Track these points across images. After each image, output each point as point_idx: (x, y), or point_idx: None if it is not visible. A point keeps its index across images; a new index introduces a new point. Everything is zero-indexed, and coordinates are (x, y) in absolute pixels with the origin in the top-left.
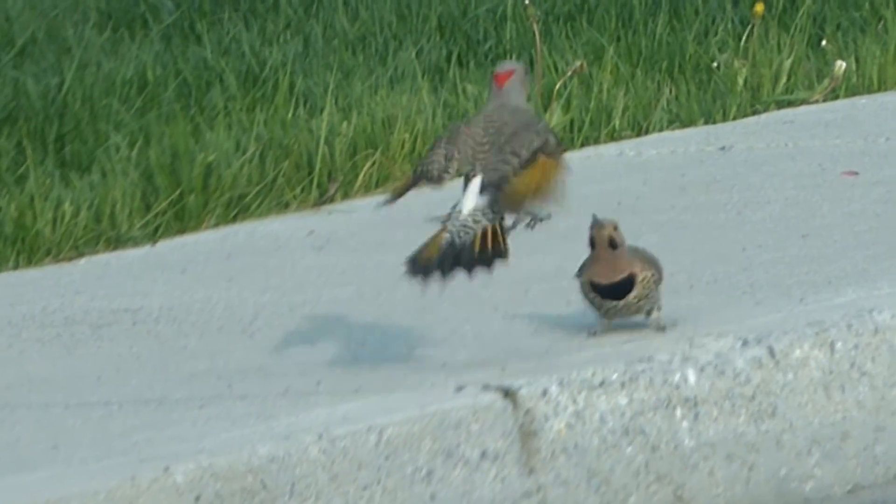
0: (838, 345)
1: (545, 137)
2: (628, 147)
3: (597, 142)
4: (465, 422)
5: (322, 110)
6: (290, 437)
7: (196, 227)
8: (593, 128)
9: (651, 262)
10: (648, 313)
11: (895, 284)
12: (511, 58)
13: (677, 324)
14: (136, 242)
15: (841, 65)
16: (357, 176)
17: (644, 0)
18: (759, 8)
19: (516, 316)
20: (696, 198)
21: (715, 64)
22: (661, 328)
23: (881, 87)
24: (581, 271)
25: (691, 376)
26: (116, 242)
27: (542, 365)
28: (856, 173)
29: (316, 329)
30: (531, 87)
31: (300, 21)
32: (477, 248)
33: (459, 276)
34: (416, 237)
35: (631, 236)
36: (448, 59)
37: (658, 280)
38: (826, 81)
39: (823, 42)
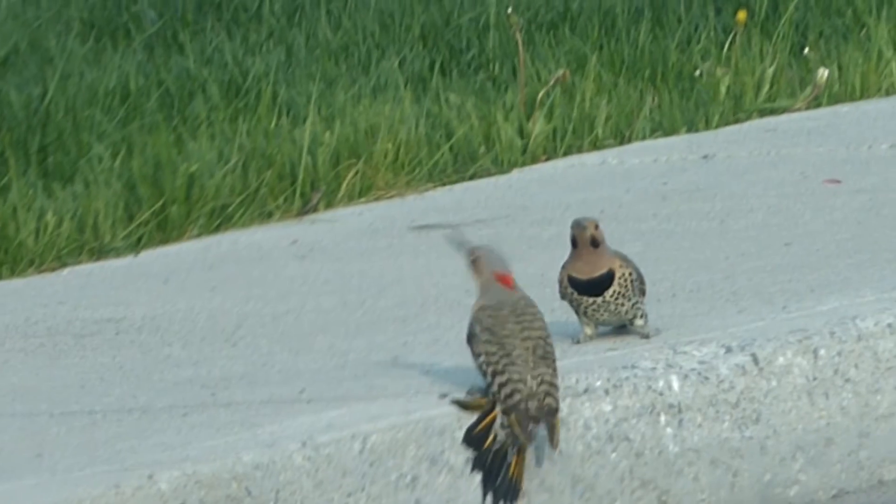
0: (822, 352)
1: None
2: (611, 155)
3: (580, 150)
4: (449, 428)
5: (305, 120)
6: (275, 444)
7: (179, 237)
8: (576, 136)
9: (631, 264)
10: (632, 322)
11: (878, 292)
12: (494, 67)
13: (661, 331)
14: (118, 253)
15: (823, 73)
16: (340, 185)
17: (627, 8)
18: (742, 16)
19: None
20: (678, 206)
21: (697, 72)
22: (645, 336)
23: (864, 94)
24: (561, 270)
25: (675, 383)
26: (99, 253)
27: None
28: (838, 181)
29: (299, 337)
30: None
31: (283, 31)
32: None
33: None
34: (400, 246)
35: (614, 244)
36: (431, 69)
37: (638, 282)
38: (809, 89)
39: (806, 50)
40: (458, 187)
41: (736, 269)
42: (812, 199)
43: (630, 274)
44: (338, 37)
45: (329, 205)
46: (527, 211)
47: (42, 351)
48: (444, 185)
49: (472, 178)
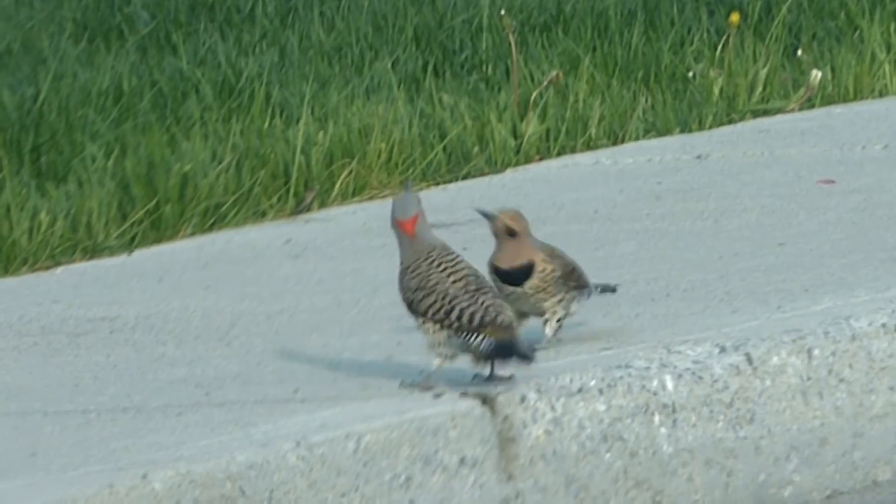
0: (816, 352)
1: None
2: (604, 156)
3: (573, 151)
4: (443, 428)
5: (298, 120)
6: (269, 444)
7: (173, 236)
8: (569, 137)
9: (560, 259)
10: (547, 321)
11: (872, 292)
12: (487, 68)
13: (655, 331)
14: (112, 252)
15: (817, 74)
16: (334, 185)
17: (620, 10)
18: (735, 18)
19: None
20: (672, 206)
21: (691, 73)
22: (549, 339)
23: (857, 95)
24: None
25: (669, 383)
26: (93, 252)
27: (520, 372)
28: (832, 182)
29: (293, 337)
30: None
31: (276, 32)
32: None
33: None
34: (393, 245)
35: (608, 244)
36: (424, 70)
37: (565, 279)
38: (802, 90)
39: (799, 51)
40: (452, 187)
41: (730, 269)
42: (806, 199)
43: (553, 270)
44: (331, 38)
45: (323, 204)
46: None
47: (36, 350)
48: (437, 184)
49: (465, 177)
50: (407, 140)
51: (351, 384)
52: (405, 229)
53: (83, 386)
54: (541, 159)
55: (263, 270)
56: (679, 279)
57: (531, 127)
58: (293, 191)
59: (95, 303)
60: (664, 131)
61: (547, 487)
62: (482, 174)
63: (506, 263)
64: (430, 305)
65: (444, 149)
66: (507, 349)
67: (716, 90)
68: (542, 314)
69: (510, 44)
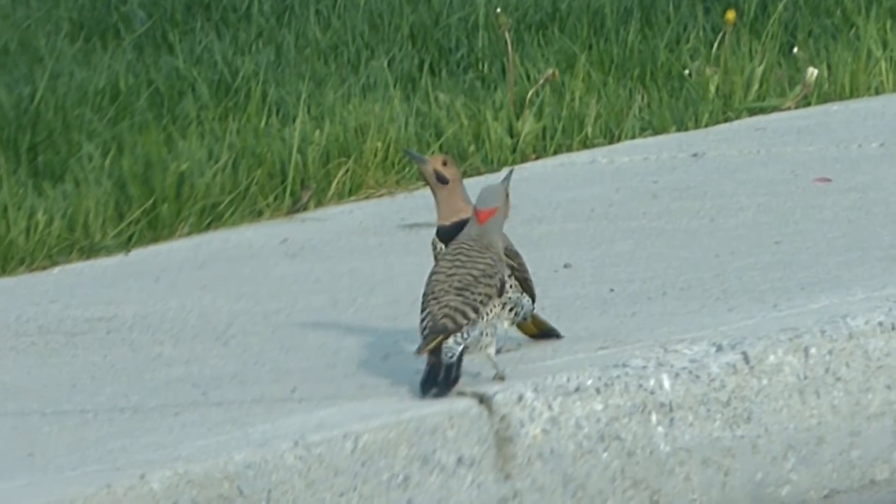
0: (812, 350)
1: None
2: (601, 154)
3: (569, 149)
4: (440, 428)
5: (295, 119)
6: (266, 443)
7: (169, 235)
8: (566, 135)
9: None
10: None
11: (869, 290)
12: (483, 66)
13: (651, 329)
14: (109, 251)
15: (813, 72)
16: (330, 184)
17: (616, 8)
18: (731, 15)
19: None
20: (668, 205)
21: (687, 71)
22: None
23: (853, 93)
24: None
25: (666, 382)
26: (90, 251)
27: (517, 371)
28: (828, 180)
29: (291, 336)
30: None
31: (272, 30)
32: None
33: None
34: (390, 244)
35: (604, 243)
36: (420, 68)
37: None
38: (798, 88)
39: (795, 49)
40: None
41: (726, 268)
42: (802, 197)
43: None
44: (327, 36)
45: (319, 203)
46: (517, 210)
47: (33, 350)
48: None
49: (462, 176)
50: (403, 139)
51: (348, 384)
52: (478, 217)
53: (80, 386)
54: (537, 158)
55: (260, 270)
56: (675, 278)
57: (527, 125)
58: (290, 190)
59: (92, 302)
60: (660, 129)
61: (544, 487)
62: (478, 173)
63: (446, 219)
64: (422, 297)
65: (441, 147)
66: (431, 376)
67: (712, 88)
68: None
69: (506, 42)
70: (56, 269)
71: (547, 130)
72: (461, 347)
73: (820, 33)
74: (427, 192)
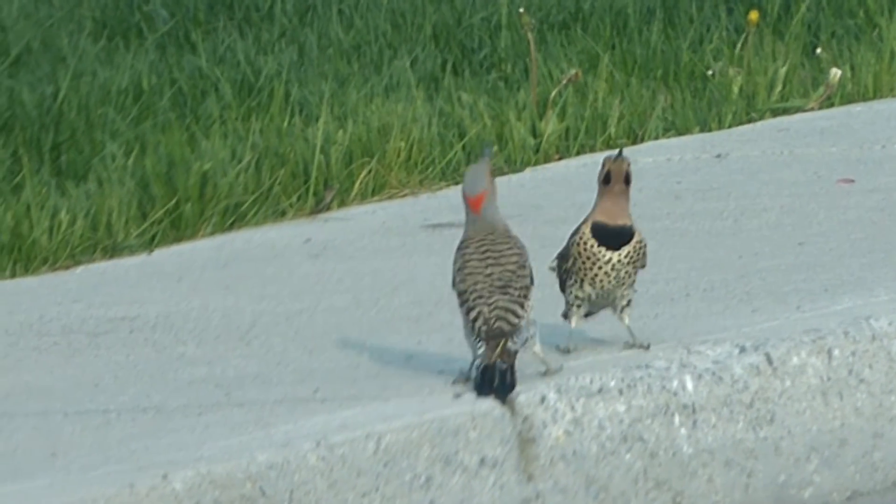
0: (836, 352)
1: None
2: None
3: (592, 150)
4: (463, 429)
5: (318, 119)
6: (289, 444)
7: (192, 235)
8: (589, 136)
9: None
10: (623, 310)
11: (892, 292)
12: (506, 66)
13: (674, 331)
14: (132, 251)
15: (836, 72)
16: (353, 184)
17: (639, 8)
18: (754, 16)
19: None
20: (692, 205)
21: (710, 72)
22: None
23: (876, 94)
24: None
25: (689, 383)
26: (113, 251)
27: (540, 371)
28: (852, 181)
29: (313, 337)
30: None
31: (295, 30)
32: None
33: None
34: (413, 244)
35: None
36: (443, 68)
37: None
38: (821, 89)
39: (818, 50)
40: None
41: (749, 269)
42: (825, 198)
43: (645, 244)
44: (350, 36)
45: (342, 203)
46: (540, 210)
47: (56, 349)
48: (456, 183)
49: None
50: (426, 139)
51: (371, 384)
52: (471, 206)
53: (103, 386)
54: (560, 158)
55: (283, 270)
56: (698, 279)
57: (550, 126)
58: (312, 190)
59: (115, 302)
60: (683, 130)
61: (567, 488)
62: (501, 173)
63: (612, 219)
64: (461, 294)
65: (463, 148)
66: (488, 380)
67: (735, 89)
68: (614, 299)
69: (529, 42)
70: (79, 269)
71: (570, 131)
72: (515, 350)
73: (843, 34)
74: (449, 191)
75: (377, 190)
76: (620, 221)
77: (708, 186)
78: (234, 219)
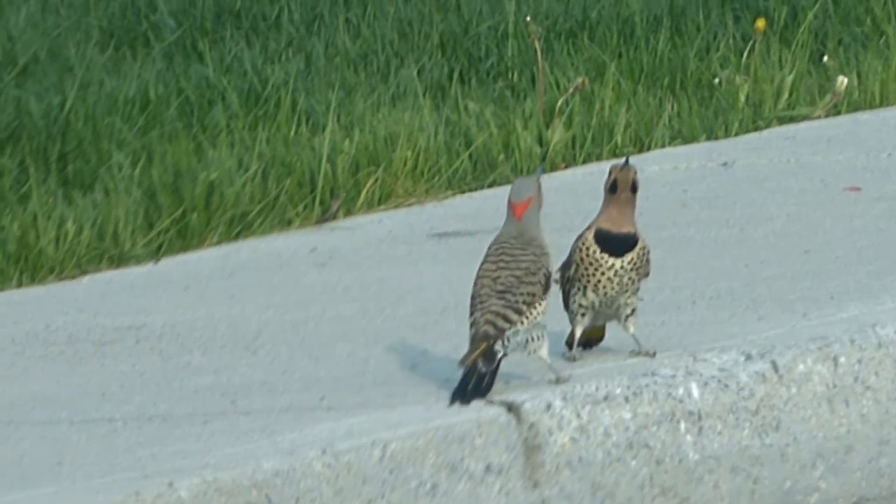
0: (842, 359)
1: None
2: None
3: (599, 158)
4: (469, 436)
5: (324, 128)
6: (295, 451)
7: (199, 244)
8: (595, 144)
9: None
10: (626, 319)
11: None
12: (513, 75)
13: (681, 338)
14: (138, 260)
15: (843, 80)
16: (359, 193)
17: (645, 16)
18: (761, 24)
19: None
20: (698, 213)
21: (716, 80)
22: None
23: (883, 102)
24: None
25: (695, 390)
26: (119, 260)
27: (546, 379)
28: (858, 189)
29: (319, 345)
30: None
31: (302, 39)
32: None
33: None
34: (419, 253)
35: None
36: (450, 77)
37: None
38: (828, 97)
39: (825, 58)
40: (478, 195)
41: (756, 277)
42: (832, 206)
43: (649, 251)
44: (357, 45)
45: (348, 212)
46: (546, 219)
47: (62, 358)
48: (463, 192)
49: (491, 185)
50: (433, 148)
51: (377, 392)
52: (514, 210)
53: (109, 394)
54: (566, 167)
55: (289, 279)
56: (705, 287)
57: (557, 134)
58: (319, 199)
59: (122, 311)
60: (690, 138)
61: (573, 495)
62: (508, 182)
63: (616, 227)
64: (471, 298)
65: (470, 156)
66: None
67: (742, 97)
68: (617, 308)
69: (536, 51)
70: (85, 278)
71: (576, 139)
72: (500, 355)
73: (850, 42)
74: (455, 200)
75: (384, 199)
76: (624, 229)
77: (714, 195)
78: (240, 228)
